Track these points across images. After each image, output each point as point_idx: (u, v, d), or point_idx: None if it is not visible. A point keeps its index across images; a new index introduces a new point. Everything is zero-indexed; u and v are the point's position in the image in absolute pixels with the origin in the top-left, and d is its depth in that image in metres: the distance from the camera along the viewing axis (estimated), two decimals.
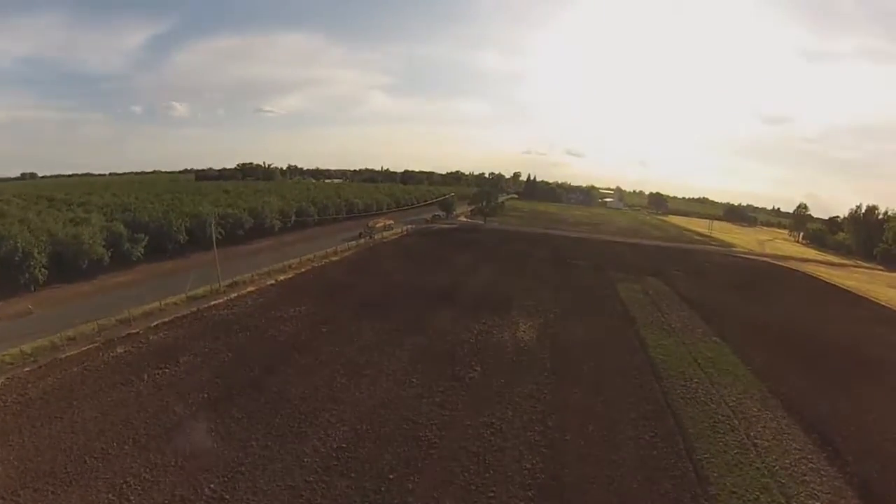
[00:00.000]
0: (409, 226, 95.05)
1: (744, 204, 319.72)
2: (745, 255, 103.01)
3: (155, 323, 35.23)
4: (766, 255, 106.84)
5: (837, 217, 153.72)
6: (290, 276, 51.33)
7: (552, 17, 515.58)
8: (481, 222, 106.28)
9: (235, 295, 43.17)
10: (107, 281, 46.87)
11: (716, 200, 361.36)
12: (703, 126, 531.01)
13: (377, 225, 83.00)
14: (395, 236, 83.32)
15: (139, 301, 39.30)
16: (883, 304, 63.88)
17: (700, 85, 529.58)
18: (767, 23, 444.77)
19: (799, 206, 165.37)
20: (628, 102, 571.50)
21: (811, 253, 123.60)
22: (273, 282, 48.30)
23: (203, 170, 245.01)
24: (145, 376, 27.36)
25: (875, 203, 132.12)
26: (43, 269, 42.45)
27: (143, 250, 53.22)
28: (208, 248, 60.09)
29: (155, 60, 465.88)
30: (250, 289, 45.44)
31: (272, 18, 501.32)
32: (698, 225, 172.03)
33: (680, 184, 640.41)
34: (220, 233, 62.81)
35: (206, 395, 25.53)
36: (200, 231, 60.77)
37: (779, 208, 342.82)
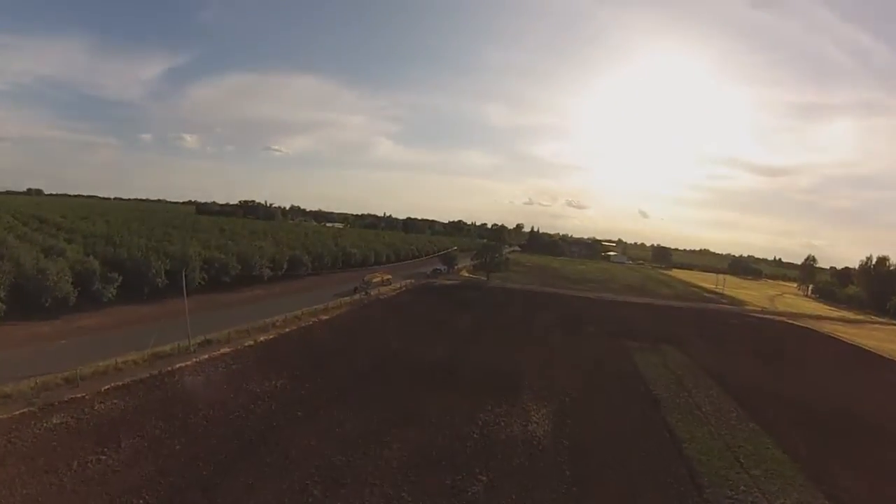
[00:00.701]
0: (409, 280, 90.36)
1: (745, 255, 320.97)
2: (759, 315, 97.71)
3: (106, 386, 30.06)
4: (780, 314, 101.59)
5: (847, 268, 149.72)
6: (272, 336, 46.24)
7: (556, 74, 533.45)
8: (484, 279, 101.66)
9: (206, 357, 38.02)
10: (70, 323, 42.42)
11: (717, 252, 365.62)
12: (700, 178, 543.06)
13: (374, 279, 78.27)
14: (393, 292, 78.63)
15: (98, 351, 34.92)
16: None
17: (698, 139, 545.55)
18: (764, 78, 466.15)
19: (807, 259, 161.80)
20: (630, 156, 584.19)
21: (823, 309, 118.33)
22: (252, 342, 43.20)
23: (206, 203, 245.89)
24: (75, 463, 21.95)
25: (885, 254, 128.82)
26: None
27: (115, 291, 49.05)
28: (189, 293, 56.12)
29: (170, 92, 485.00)
30: (224, 350, 40.33)
31: (287, 60, 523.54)
32: (705, 280, 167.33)
33: (680, 235, 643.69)
34: (203, 279, 58.97)
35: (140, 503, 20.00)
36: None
37: (780, 259, 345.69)
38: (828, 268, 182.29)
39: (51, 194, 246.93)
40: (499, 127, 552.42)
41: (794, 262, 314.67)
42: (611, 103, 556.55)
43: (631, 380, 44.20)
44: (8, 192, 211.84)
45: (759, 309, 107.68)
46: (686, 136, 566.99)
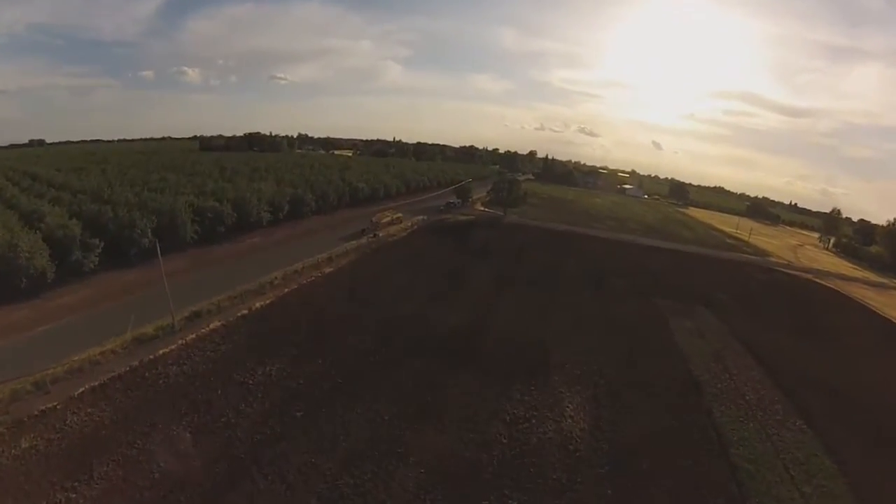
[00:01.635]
0: (421, 217, 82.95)
1: (760, 197, 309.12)
2: (785, 270, 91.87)
3: (80, 389, 25.82)
4: (807, 270, 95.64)
5: (871, 224, 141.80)
6: (268, 300, 40.90)
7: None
8: (501, 214, 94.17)
9: (193, 336, 33.09)
10: (49, 302, 36.86)
11: (731, 191, 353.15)
12: (717, 113, 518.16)
13: (383, 220, 71.33)
14: (405, 233, 71.98)
15: (76, 338, 30.47)
16: None
17: (718, 73, 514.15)
18: (793, 12, 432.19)
19: (832, 211, 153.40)
20: (645, 86, 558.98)
21: (846, 267, 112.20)
22: (246, 311, 38.04)
23: (211, 137, 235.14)
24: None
25: None
26: None
27: (96, 260, 43.25)
28: (182, 249, 50.97)
29: (168, 27, 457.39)
30: (214, 324, 35.25)
31: None
32: (724, 222, 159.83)
33: (695, 170, 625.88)
34: (195, 232, 53.07)
35: None
36: (173, 231, 50.83)
37: (796, 204, 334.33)
38: (851, 219, 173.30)
39: (54, 142, 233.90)
40: (511, 52, 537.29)
41: (810, 207, 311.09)
42: (627, 31, 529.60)
43: (668, 355, 39.77)
44: (11, 146, 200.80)
45: (785, 262, 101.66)
46: (705, 69, 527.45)
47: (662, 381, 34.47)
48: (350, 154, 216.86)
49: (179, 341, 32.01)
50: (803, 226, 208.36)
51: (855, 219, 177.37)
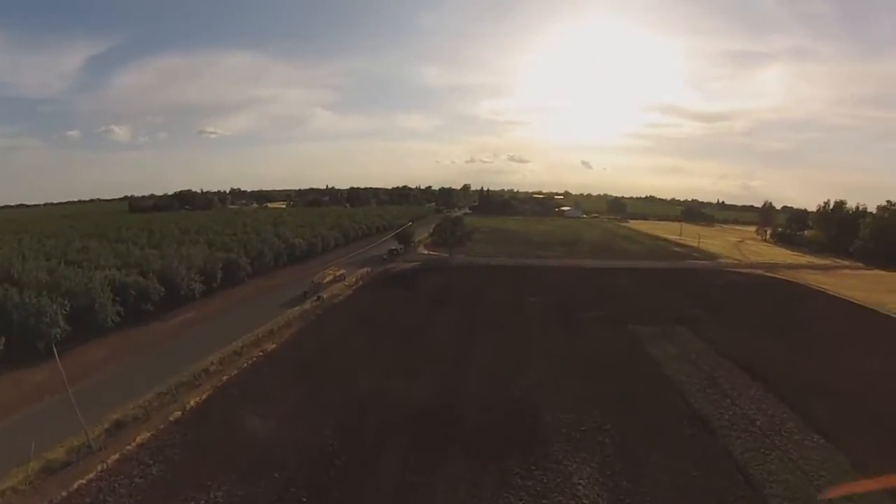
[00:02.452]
0: (365, 269, 78.78)
1: (690, 199, 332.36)
2: (738, 270, 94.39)
3: None
4: (755, 266, 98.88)
5: (804, 210, 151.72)
6: (205, 394, 34.52)
7: (492, 32, 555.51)
8: (446, 256, 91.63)
9: (117, 457, 26.15)
10: None
11: (662, 198, 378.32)
12: (640, 126, 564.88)
13: (326, 279, 66.74)
14: (350, 290, 67.00)
15: None
16: None
17: (637, 89, 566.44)
18: (699, 27, 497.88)
19: (765, 204, 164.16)
20: (569, 108, 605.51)
21: (788, 255, 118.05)
22: (180, 413, 31.49)
23: (141, 197, 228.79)
24: None
25: (828, 195, 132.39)
26: None
27: None
28: (102, 334, 44.47)
29: (94, 82, 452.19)
30: (142, 436, 28.46)
31: (214, 37, 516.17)
32: (664, 230, 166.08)
33: (624, 183, 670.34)
34: (117, 314, 46.64)
35: None
36: (91, 314, 44.27)
37: (723, 202, 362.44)
38: (774, 207, 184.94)
39: None
40: (437, 88, 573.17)
41: (736, 203, 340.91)
42: (548, 58, 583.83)
43: (662, 389, 36.48)
44: None
45: (736, 261, 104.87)
46: (624, 87, 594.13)
47: (668, 423, 31.05)
48: (284, 206, 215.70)
49: (99, 466, 25.09)
50: (736, 221, 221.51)
51: (778, 206, 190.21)
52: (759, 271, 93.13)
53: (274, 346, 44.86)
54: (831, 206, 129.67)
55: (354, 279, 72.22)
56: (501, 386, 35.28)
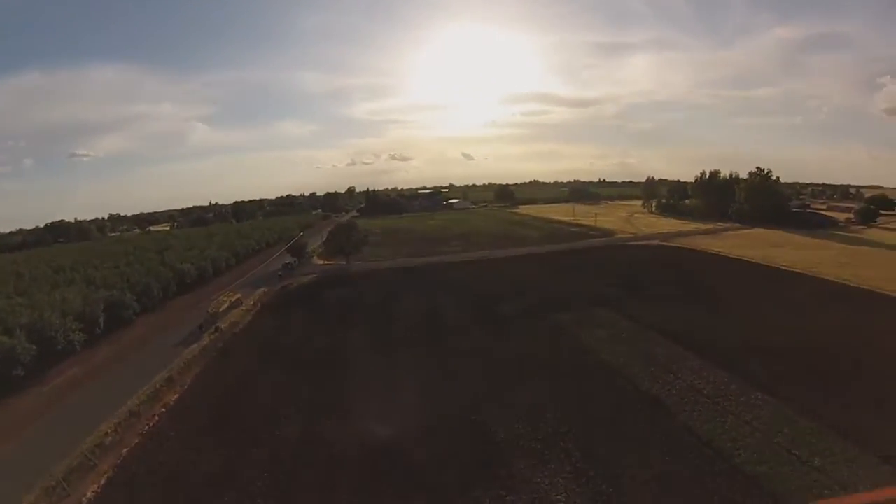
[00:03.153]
0: (262, 290, 73.54)
1: (572, 180, 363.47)
2: (636, 243, 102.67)
3: None
4: (652, 237, 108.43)
5: (682, 182, 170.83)
6: (103, 478, 28.05)
7: (368, 34, 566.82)
8: (344, 263, 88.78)
9: None
10: None
11: (545, 181, 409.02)
12: (517, 116, 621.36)
13: (221, 307, 61.14)
14: (249, 316, 61.65)
15: None
16: (805, 273, 69.66)
17: (512, 82, 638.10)
18: (569, 24, 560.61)
19: (648, 179, 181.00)
20: (448, 104, 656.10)
21: (676, 224, 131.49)
22: None
23: (8, 234, 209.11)
24: None
25: (707, 168, 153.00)
26: None
27: None
28: None
29: None
30: None
31: (76, 52, 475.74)
32: (558, 212, 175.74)
33: (507, 171, 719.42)
34: None
35: None
36: None
37: (604, 179, 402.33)
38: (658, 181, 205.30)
39: None
40: (315, 93, 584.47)
41: (615, 179, 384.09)
42: (426, 57, 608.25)
43: (607, 377, 37.21)
44: None
45: (631, 235, 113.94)
46: (500, 79, 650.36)
47: (624, 412, 31.43)
48: (168, 228, 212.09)
49: None
50: (620, 197, 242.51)
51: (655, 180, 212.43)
52: (657, 242, 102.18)
53: (176, 395, 38.81)
54: (707, 176, 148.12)
55: (252, 302, 67.00)
56: (441, 406, 33.26)
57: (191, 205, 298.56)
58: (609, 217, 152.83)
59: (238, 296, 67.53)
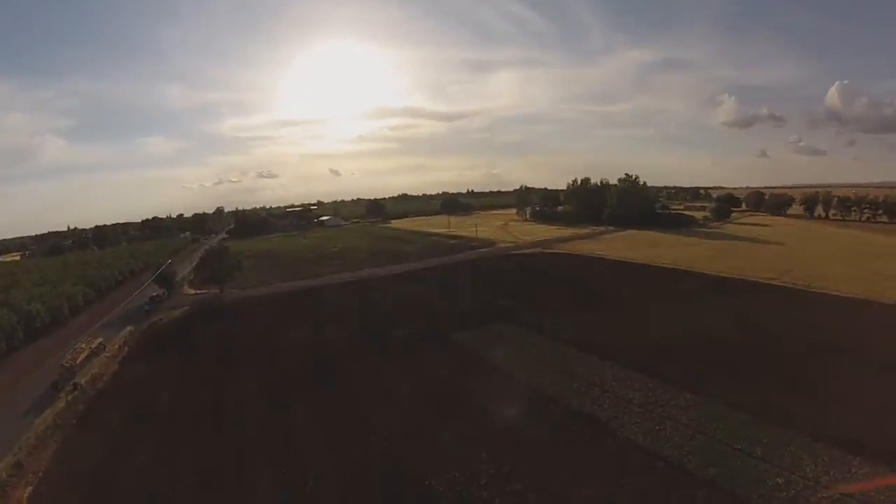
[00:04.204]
0: (127, 330, 61.58)
1: (440, 193, 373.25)
2: (518, 252, 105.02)
3: None
4: (534, 245, 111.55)
5: (554, 190, 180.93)
6: None
7: (236, 49, 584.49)
8: (218, 292, 79.37)
9: None
10: None
11: (415, 194, 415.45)
12: (384, 130, 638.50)
13: (80, 357, 49.57)
14: (115, 365, 50.84)
15: None
16: (685, 268, 76.22)
17: (380, 97, 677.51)
18: (437, 40, 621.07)
19: (520, 188, 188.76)
20: (315, 119, 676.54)
21: (553, 230, 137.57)
22: None
23: None
24: None
25: (583, 175, 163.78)
26: None
27: None
28: None
29: None
30: None
31: None
32: (432, 224, 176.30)
33: (375, 186, 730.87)
34: None
35: None
36: None
37: (472, 190, 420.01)
38: (521, 188, 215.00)
39: None
40: (180, 108, 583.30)
41: (483, 189, 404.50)
42: (293, 73, 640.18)
43: (530, 400, 35.08)
44: None
45: (512, 243, 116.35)
46: (369, 95, 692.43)
47: (562, 439, 29.42)
48: (18, 258, 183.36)
49: None
50: (492, 207, 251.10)
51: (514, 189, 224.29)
52: (539, 249, 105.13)
53: (29, 489, 28.98)
54: (579, 182, 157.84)
55: (116, 346, 55.40)
56: (357, 462, 28.54)
57: (46, 231, 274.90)
58: (484, 227, 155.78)
59: (100, 340, 55.68)
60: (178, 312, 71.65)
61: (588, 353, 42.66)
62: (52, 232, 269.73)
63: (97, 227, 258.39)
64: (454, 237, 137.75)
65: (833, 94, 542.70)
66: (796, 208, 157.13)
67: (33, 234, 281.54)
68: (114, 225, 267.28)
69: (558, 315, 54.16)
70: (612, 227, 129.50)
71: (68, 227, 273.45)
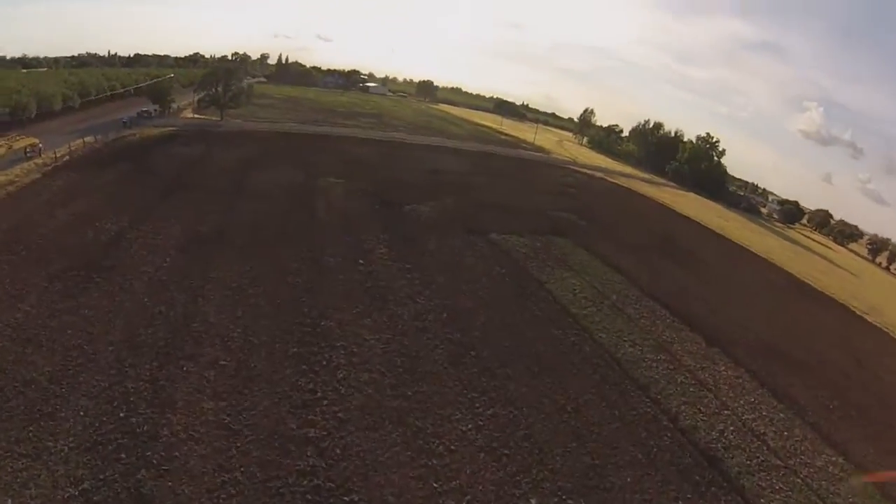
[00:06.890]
0: (86, 139, 47.88)
1: (495, 97, 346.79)
2: (578, 169, 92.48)
3: None
4: (592, 168, 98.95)
5: (614, 125, 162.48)
6: None
7: None
8: (217, 119, 66.20)
9: None
10: None
11: (469, 91, 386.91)
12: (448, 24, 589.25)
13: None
14: (37, 174, 37.18)
15: None
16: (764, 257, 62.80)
17: None
18: None
19: (585, 111, 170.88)
20: None
21: (613, 162, 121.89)
22: None
23: None
24: None
25: (649, 118, 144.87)
26: None
27: None
28: None
29: None
30: None
31: None
32: (484, 119, 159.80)
33: (429, 74, 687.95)
34: None
35: None
36: None
37: (527, 104, 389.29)
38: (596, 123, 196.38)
39: None
40: None
41: (539, 108, 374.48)
42: None
43: (594, 357, 23.54)
44: None
45: (569, 159, 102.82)
46: None
47: (609, 396, 18.36)
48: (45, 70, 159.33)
49: None
50: (546, 123, 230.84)
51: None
52: (600, 174, 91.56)
53: None
54: (651, 125, 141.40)
55: (58, 154, 41.77)
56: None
57: (83, 52, 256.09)
58: (540, 137, 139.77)
59: (36, 142, 42.70)
60: (157, 132, 57.89)
61: (664, 308, 31.27)
62: (89, 53, 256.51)
63: (136, 55, 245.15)
64: (505, 135, 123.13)
65: None
66: (859, 247, 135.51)
67: (70, 54, 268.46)
68: (153, 55, 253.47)
69: (629, 253, 41.75)
70: (674, 184, 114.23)
71: (109, 53, 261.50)
